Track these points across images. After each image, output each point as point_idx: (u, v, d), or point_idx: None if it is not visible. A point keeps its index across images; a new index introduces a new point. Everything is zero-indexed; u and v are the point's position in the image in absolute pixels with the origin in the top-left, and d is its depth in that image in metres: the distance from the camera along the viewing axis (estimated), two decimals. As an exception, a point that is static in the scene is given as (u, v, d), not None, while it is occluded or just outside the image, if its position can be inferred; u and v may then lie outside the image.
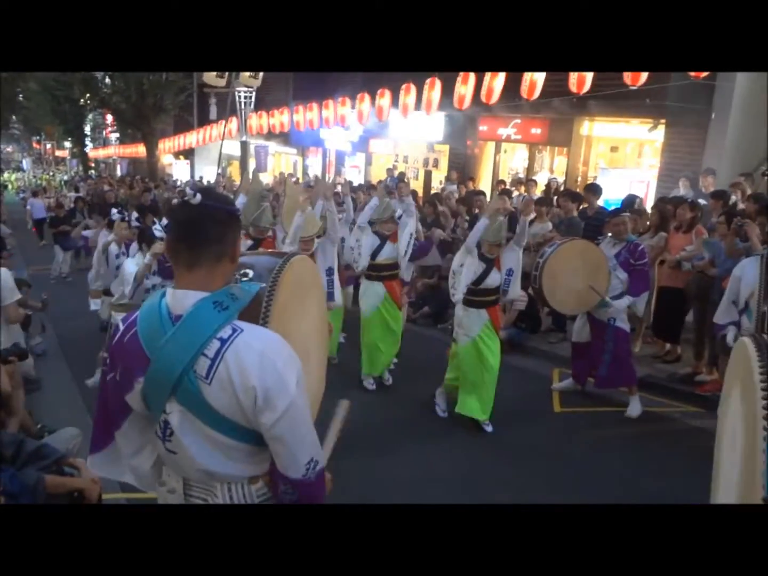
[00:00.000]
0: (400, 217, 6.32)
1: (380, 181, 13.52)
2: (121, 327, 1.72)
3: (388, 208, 6.11)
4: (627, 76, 8.30)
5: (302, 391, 1.65)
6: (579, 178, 12.16)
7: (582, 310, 5.95)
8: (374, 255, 6.17)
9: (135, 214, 8.00)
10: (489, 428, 5.38)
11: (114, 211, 7.81)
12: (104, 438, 1.82)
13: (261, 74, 15.42)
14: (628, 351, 6.09)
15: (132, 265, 6.08)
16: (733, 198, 7.33)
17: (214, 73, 14.68)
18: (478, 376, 5.32)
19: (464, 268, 5.34)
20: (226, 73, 15.05)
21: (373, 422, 5.37)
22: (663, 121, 10.64)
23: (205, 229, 1.63)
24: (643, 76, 8.23)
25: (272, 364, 1.58)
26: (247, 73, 15.03)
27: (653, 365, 6.89)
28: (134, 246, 6.46)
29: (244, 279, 1.88)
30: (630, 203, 7.29)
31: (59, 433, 3.88)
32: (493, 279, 5.31)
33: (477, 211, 9.20)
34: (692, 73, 7.66)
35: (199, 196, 1.63)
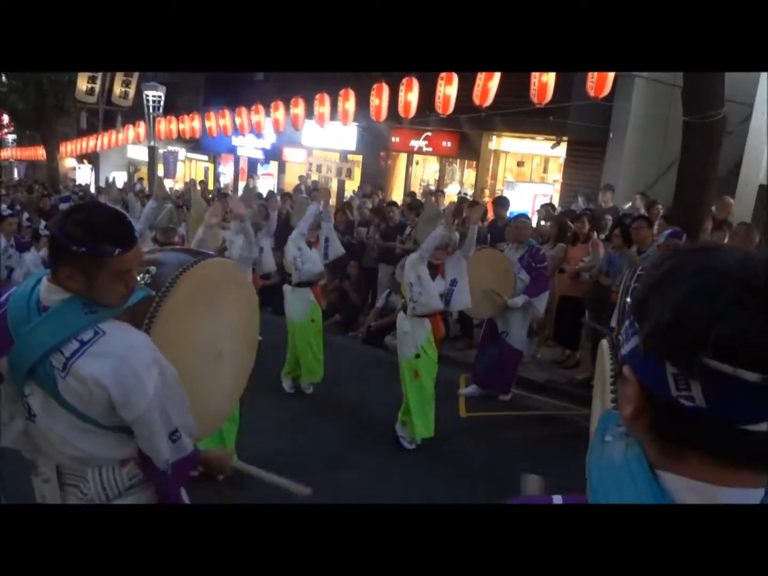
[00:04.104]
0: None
1: (297, 187, 13.53)
2: None
3: (318, 216, 6.15)
4: (534, 94, 8.25)
5: (164, 391, 1.70)
6: (487, 190, 12.53)
7: (498, 314, 6.20)
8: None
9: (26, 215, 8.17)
10: (411, 446, 5.25)
11: (4, 206, 7.71)
12: None
13: (131, 95, 15.53)
14: (511, 367, 6.36)
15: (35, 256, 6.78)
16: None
17: (84, 89, 14.90)
18: (418, 393, 5.07)
19: (424, 278, 4.91)
20: (97, 91, 15.32)
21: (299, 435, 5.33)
22: (565, 138, 11.15)
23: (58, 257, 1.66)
24: (549, 93, 8.23)
25: (129, 366, 1.62)
26: (117, 93, 15.37)
27: (554, 370, 7.18)
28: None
29: (146, 275, 1.94)
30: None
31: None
32: (438, 286, 5.08)
33: (390, 222, 9.28)
34: (592, 93, 7.94)
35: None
